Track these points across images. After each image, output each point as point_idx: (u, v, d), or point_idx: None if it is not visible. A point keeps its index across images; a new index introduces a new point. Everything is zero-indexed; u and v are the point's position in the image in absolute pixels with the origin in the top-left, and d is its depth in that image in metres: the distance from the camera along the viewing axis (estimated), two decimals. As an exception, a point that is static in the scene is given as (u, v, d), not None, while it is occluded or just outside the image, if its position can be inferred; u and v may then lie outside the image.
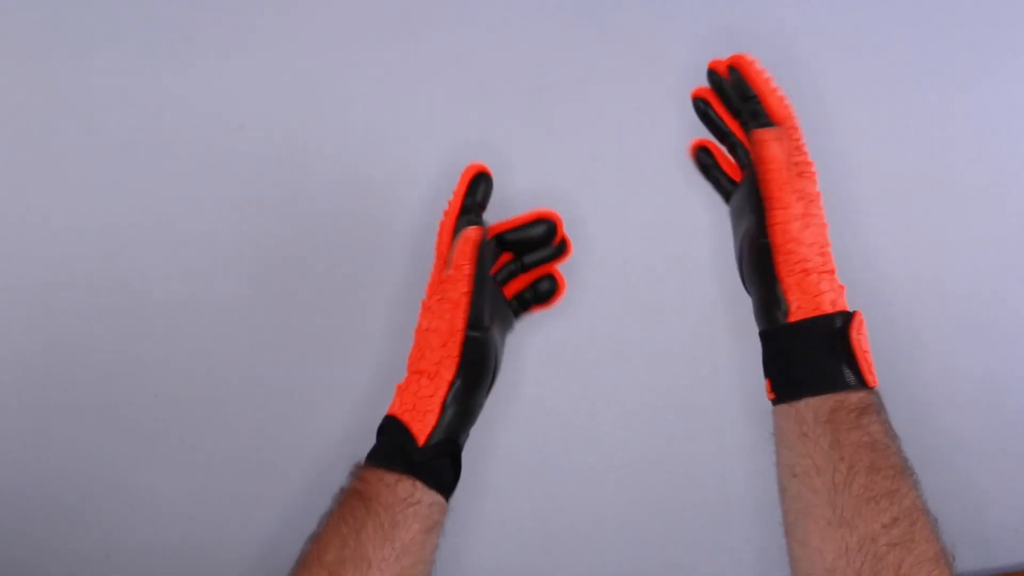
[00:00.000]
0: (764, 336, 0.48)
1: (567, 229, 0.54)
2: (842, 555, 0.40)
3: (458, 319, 0.48)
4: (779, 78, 0.55)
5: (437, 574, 0.48)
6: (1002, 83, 0.55)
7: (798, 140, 0.50)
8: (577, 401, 0.58)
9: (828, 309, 0.44)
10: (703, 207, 0.57)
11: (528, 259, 0.54)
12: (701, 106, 0.56)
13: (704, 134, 0.57)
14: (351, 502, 0.45)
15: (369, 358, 0.60)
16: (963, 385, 0.59)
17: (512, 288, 0.56)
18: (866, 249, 0.58)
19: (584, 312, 0.58)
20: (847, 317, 0.44)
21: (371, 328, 0.59)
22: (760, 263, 0.48)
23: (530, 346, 0.58)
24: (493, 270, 0.54)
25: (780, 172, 0.47)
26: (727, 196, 0.56)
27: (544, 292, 0.55)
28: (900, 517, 0.39)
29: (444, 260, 0.51)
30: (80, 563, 0.66)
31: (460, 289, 0.48)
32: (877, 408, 0.43)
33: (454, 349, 0.47)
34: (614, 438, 0.60)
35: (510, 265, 0.55)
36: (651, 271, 0.58)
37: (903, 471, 0.41)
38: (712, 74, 0.55)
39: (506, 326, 0.54)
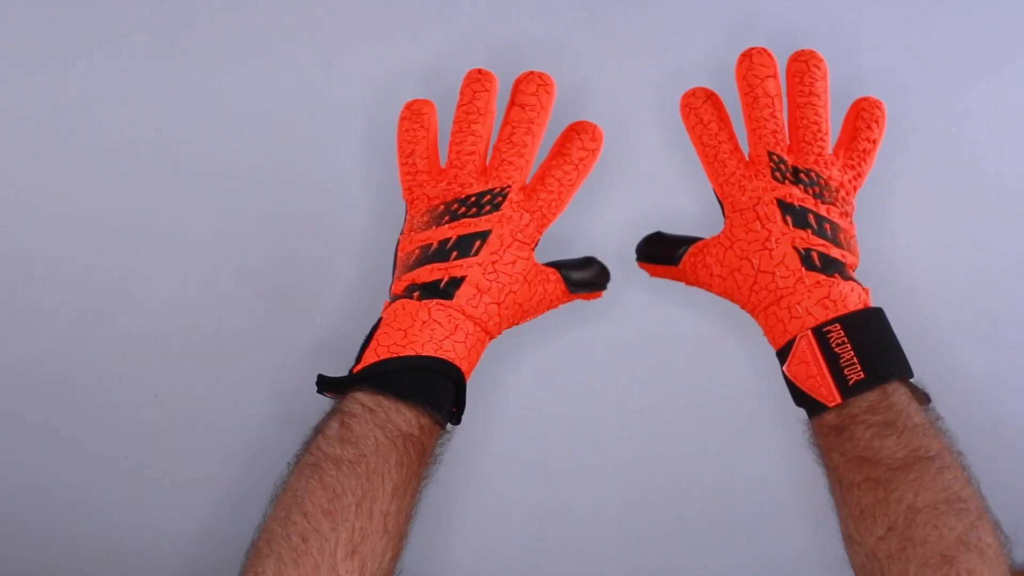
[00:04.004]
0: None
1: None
2: (859, 571, 0.40)
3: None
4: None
5: (436, 571, 0.48)
6: (1003, 83, 0.55)
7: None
8: (577, 401, 0.58)
9: (784, 339, 0.44)
10: (703, 206, 0.57)
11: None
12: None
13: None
14: None
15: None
16: (963, 385, 0.59)
17: None
18: (865, 250, 0.58)
19: (584, 312, 0.58)
20: (786, 350, 0.43)
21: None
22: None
23: (530, 346, 0.58)
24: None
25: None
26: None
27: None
28: (894, 525, 0.38)
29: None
30: (80, 563, 0.66)
31: None
32: (854, 420, 0.41)
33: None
34: (614, 438, 0.60)
35: None
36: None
37: (903, 468, 0.39)
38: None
39: None
